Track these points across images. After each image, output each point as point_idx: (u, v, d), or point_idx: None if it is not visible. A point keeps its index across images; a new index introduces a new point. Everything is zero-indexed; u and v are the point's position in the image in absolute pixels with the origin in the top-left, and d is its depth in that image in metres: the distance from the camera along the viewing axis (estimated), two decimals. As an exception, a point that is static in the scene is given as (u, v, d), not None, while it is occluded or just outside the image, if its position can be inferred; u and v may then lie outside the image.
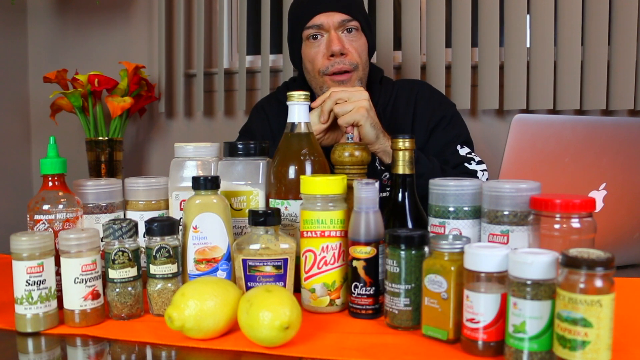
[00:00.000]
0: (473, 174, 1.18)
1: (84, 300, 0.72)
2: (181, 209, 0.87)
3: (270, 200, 0.87)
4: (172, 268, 0.76)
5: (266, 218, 0.76)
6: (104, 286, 0.75)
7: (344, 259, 0.77)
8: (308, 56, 1.23)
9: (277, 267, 0.76)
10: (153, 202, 0.90)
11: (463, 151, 1.23)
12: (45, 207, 0.76)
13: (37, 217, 0.76)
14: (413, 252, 0.69)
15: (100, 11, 2.16)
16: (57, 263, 0.74)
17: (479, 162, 1.20)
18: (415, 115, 1.28)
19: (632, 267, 1.05)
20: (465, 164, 1.20)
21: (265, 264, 0.75)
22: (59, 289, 0.74)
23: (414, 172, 0.83)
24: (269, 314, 0.63)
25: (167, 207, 0.91)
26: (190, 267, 0.80)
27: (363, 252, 0.73)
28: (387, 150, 1.08)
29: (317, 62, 1.21)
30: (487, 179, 1.18)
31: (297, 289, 0.78)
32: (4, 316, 0.76)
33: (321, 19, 1.20)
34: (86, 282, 0.72)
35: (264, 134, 1.33)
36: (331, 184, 0.77)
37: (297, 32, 1.24)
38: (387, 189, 1.20)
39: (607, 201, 0.95)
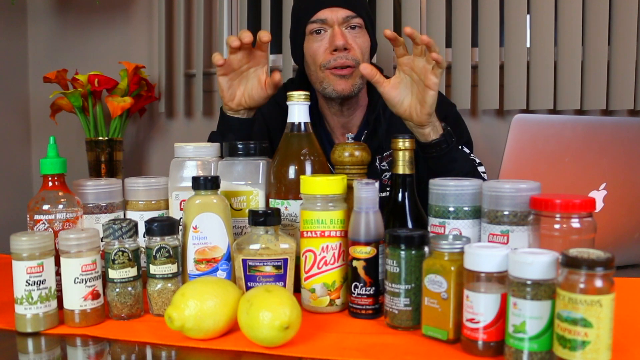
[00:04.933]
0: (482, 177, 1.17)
1: (84, 300, 0.72)
2: (181, 209, 0.87)
3: (270, 200, 0.87)
4: (172, 268, 0.76)
5: (266, 218, 0.76)
6: (104, 286, 0.75)
7: (344, 259, 0.77)
8: (310, 50, 1.23)
9: (277, 267, 0.76)
10: (153, 202, 0.90)
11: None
12: (45, 207, 0.76)
13: (37, 217, 0.76)
14: (413, 252, 0.69)
15: (100, 11, 2.16)
16: (57, 263, 0.74)
17: (479, 164, 1.20)
18: None
19: (632, 267, 1.05)
20: None
21: (265, 264, 0.75)
22: (59, 289, 0.74)
23: (414, 172, 0.83)
24: (269, 314, 0.63)
25: (167, 207, 0.91)
26: (190, 267, 0.80)
27: (363, 252, 0.73)
28: (437, 126, 1.02)
29: (319, 56, 1.21)
30: None
31: (297, 289, 0.78)
32: (4, 316, 0.76)
33: (325, 13, 1.19)
34: (86, 282, 0.72)
35: (261, 136, 1.33)
36: (331, 184, 0.77)
37: (301, 26, 1.24)
38: (387, 189, 1.20)
39: (607, 201, 0.95)
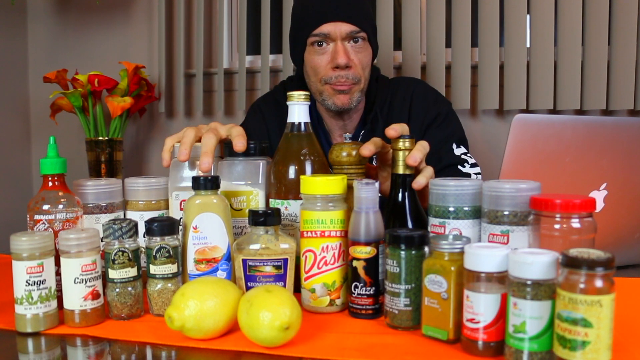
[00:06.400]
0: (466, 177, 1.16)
1: (84, 300, 0.72)
2: (181, 209, 0.87)
3: (270, 200, 0.87)
4: (172, 268, 0.76)
5: (266, 218, 0.76)
6: (104, 286, 0.75)
7: (344, 259, 0.77)
8: (311, 62, 1.21)
9: (277, 267, 0.76)
10: (153, 202, 0.90)
11: (458, 151, 1.22)
12: (45, 207, 0.76)
13: (37, 217, 0.76)
14: (413, 252, 0.69)
15: (100, 11, 2.16)
16: (57, 263, 0.74)
17: (472, 165, 1.19)
18: (410, 114, 1.28)
19: (632, 267, 1.05)
20: (459, 167, 1.18)
21: (265, 264, 0.75)
22: (59, 289, 0.74)
23: (414, 172, 0.83)
24: (269, 314, 0.63)
25: (167, 207, 0.91)
26: (190, 267, 0.80)
27: (363, 252, 0.73)
28: None
29: (321, 70, 1.20)
30: None
31: (297, 289, 0.78)
32: (4, 316, 0.76)
33: (328, 28, 1.17)
34: (86, 282, 0.72)
35: (260, 134, 1.33)
36: (331, 184, 0.77)
37: (302, 36, 1.22)
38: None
39: (608, 201, 0.95)
